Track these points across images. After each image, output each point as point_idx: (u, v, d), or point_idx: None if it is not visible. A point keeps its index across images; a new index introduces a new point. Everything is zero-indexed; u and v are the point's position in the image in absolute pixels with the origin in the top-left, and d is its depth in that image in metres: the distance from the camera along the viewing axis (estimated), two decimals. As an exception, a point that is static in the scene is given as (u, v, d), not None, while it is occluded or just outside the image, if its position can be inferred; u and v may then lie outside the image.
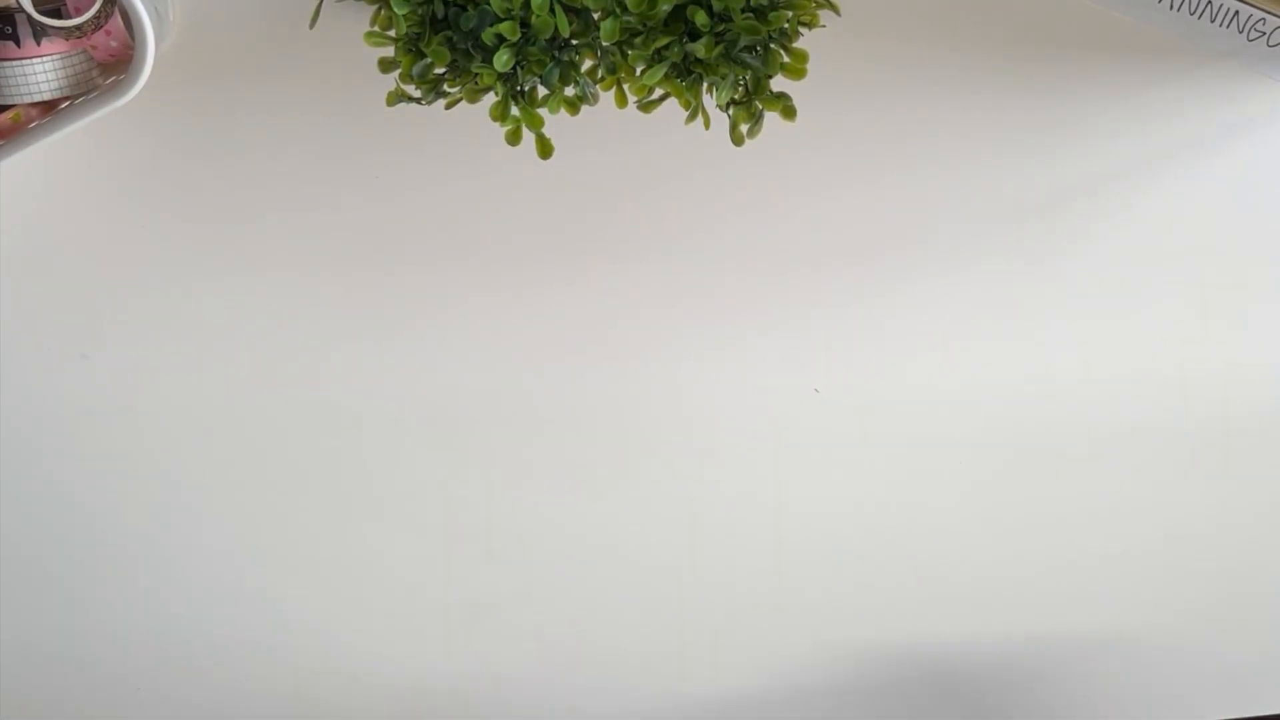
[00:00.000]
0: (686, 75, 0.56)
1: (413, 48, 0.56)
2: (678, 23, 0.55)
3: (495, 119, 0.57)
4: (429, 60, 0.56)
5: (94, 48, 0.63)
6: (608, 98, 0.58)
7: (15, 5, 0.60)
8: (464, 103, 0.57)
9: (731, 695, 0.88)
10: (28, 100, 0.63)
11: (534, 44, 0.55)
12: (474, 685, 0.87)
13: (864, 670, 0.88)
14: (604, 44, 0.56)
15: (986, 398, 0.79)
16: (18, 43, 0.61)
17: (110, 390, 0.75)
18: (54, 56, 0.62)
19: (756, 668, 0.88)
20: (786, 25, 0.56)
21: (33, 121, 0.63)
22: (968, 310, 0.77)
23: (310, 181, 0.71)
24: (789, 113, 0.57)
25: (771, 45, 0.56)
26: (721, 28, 0.55)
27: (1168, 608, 0.87)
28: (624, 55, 0.56)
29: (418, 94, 0.58)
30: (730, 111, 0.57)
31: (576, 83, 0.57)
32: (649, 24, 0.55)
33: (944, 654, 0.88)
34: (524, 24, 0.55)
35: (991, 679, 0.88)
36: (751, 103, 0.57)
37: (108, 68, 0.65)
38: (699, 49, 0.55)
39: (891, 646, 0.87)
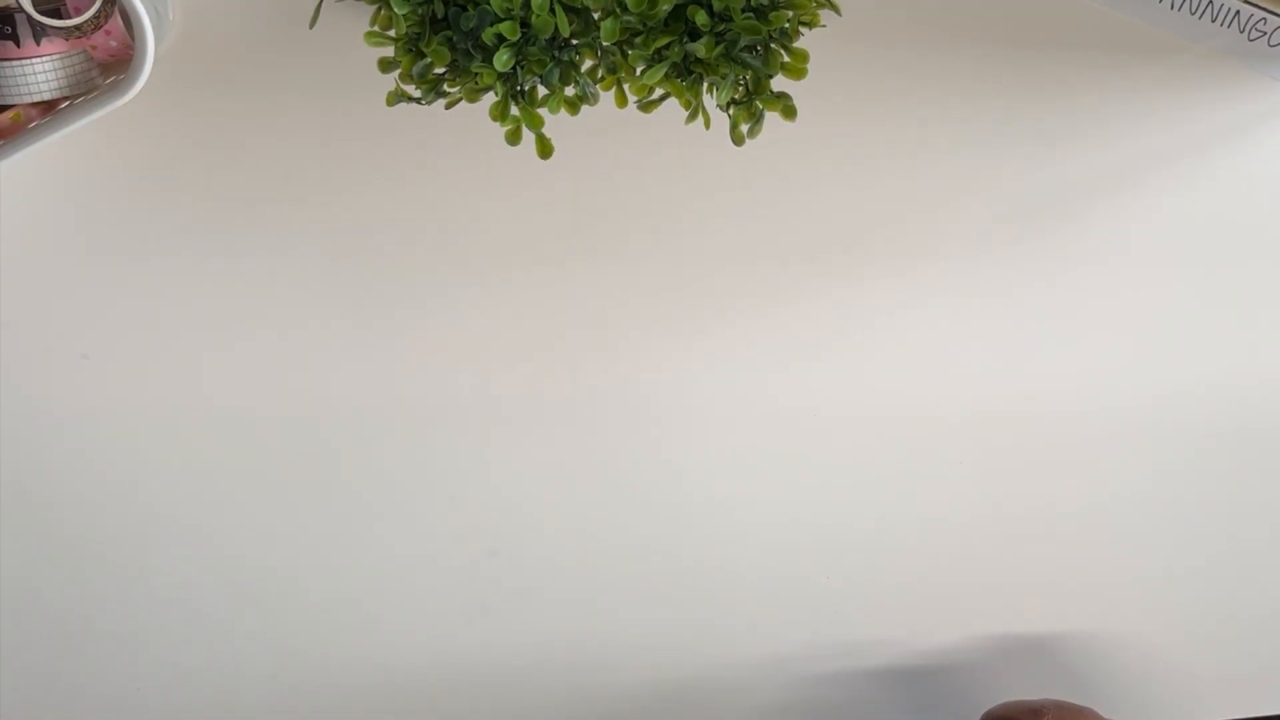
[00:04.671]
0: (687, 75, 0.56)
1: (413, 48, 0.56)
2: (678, 22, 0.55)
3: (495, 119, 0.57)
4: (429, 60, 0.56)
5: (94, 48, 0.63)
6: (608, 98, 0.58)
7: (15, 5, 0.60)
8: (464, 103, 0.57)
9: (730, 691, 0.88)
10: (28, 100, 0.63)
11: (534, 44, 0.55)
12: (475, 682, 0.87)
13: (858, 669, 0.88)
14: (604, 44, 0.56)
15: (985, 396, 0.79)
16: (18, 43, 0.61)
17: (110, 390, 0.75)
18: (54, 56, 0.62)
19: (755, 662, 0.88)
20: (787, 25, 0.56)
21: (33, 121, 0.63)
22: (966, 310, 0.77)
23: (310, 182, 0.71)
24: (789, 112, 0.57)
25: (772, 45, 0.56)
26: (722, 27, 0.55)
27: (1168, 607, 0.87)
28: (624, 55, 0.56)
29: (418, 94, 0.58)
30: (730, 111, 0.57)
31: (576, 82, 0.57)
32: (649, 24, 0.55)
33: (941, 654, 0.88)
34: (524, 24, 0.54)
35: (989, 680, 0.88)
36: (752, 102, 0.57)
37: (108, 68, 0.65)
38: (699, 49, 0.55)
39: (886, 646, 0.87)
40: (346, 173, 0.70)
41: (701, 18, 0.54)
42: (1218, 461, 0.82)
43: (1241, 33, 0.65)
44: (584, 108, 0.58)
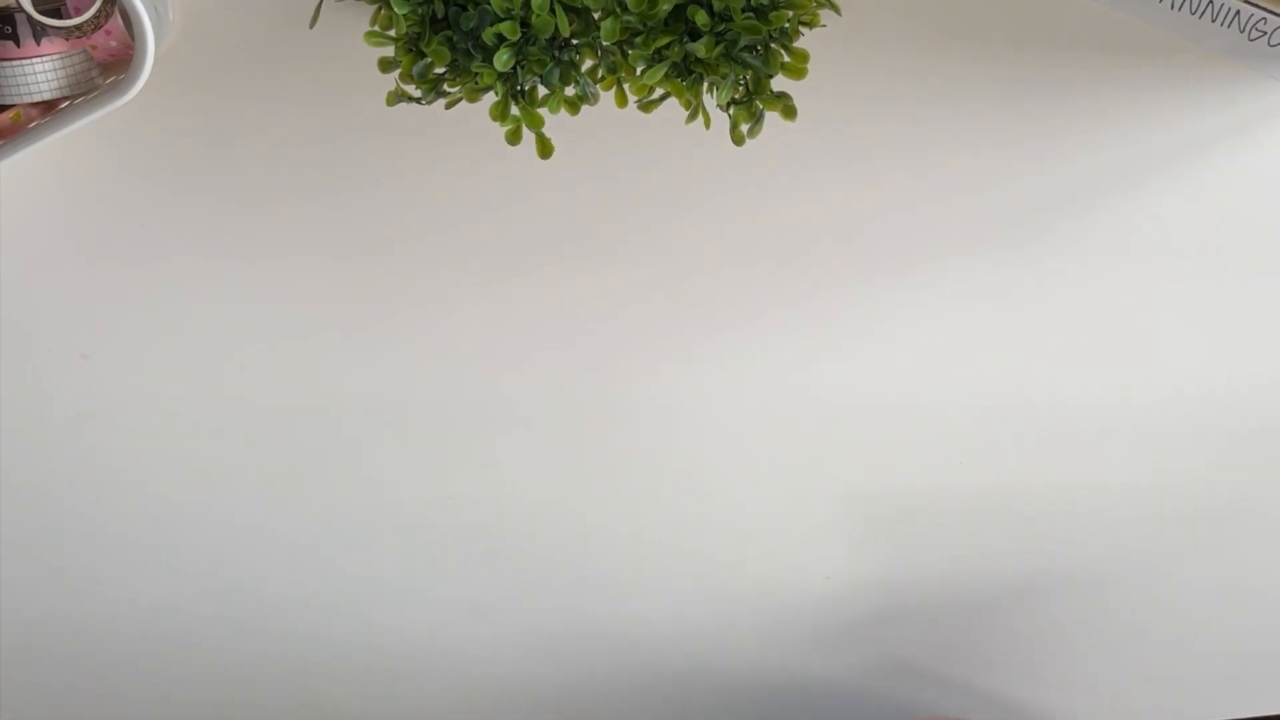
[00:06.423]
0: (687, 75, 0.56)
1: (413, 47, 0.56)
2: (678, 22, 0.55)
3: (495, 119, 0.57)
4: (429, 60, 0.56)
5: (94, 48, 0.63)
6: (608, 98, 0.58)
7: (15, 5, 0.60)
8: (464, 103, 0.57)
9: (731, 691, 0.89)
10: (28, 100, 0.63)
11: (534, 44, 0.55)
12: (475, 680, 0.87)
13: (854, 667, 0.88)
14: (604, 44, 0.56)
15: (985, 395, 0.79)
16: (18, 42, 0.61)
17: (110, 390, 0.75)
18: (54, 56, 0.62)
19: (753, 658, 0.88)
20: (787, 25, 0.56)
21: (33, 121, 0.63)
22: (964, 310, 0.77)
23: (310, 182, 0.71)
24: (789, 112, 0.57)
25: (772, 45, 0.56)
26: (722, 27, 0.55)
27: (1168, 607, 0.87)
28: (624, 55, 0.56)
29: (418, 94, 0.58)
30: (730, 111, 0.57)
31: (577, 82, 0.57)
32: (649, 24, 0.55)
33: (940, 654, 0.88)
34: (524, 24, 0.54)
35: (989, 680, 0.88)
36: (752, 102, 0.57)
37: (108, 68, 0.65)
38: (699, 49, 0.55)
39: (886, 647, 0.87)
40: (347, 173, 0.70)
41: (701, 18, 0.54)
42: (1218, 460, 0.82)
43: (1241, 33, 0.65)
44: (584, 108, 0.58)
